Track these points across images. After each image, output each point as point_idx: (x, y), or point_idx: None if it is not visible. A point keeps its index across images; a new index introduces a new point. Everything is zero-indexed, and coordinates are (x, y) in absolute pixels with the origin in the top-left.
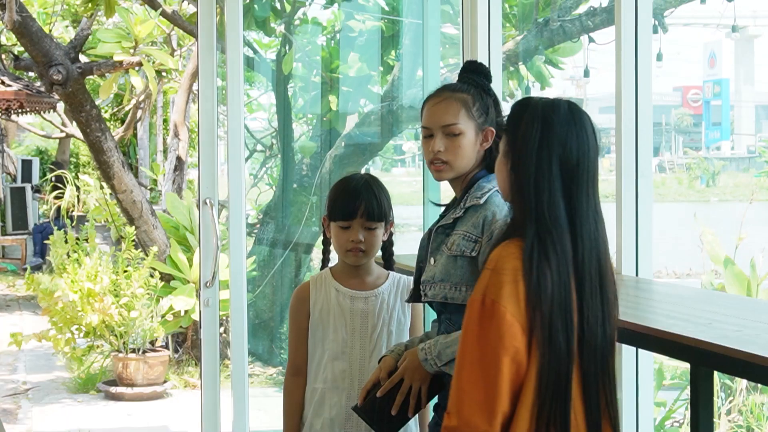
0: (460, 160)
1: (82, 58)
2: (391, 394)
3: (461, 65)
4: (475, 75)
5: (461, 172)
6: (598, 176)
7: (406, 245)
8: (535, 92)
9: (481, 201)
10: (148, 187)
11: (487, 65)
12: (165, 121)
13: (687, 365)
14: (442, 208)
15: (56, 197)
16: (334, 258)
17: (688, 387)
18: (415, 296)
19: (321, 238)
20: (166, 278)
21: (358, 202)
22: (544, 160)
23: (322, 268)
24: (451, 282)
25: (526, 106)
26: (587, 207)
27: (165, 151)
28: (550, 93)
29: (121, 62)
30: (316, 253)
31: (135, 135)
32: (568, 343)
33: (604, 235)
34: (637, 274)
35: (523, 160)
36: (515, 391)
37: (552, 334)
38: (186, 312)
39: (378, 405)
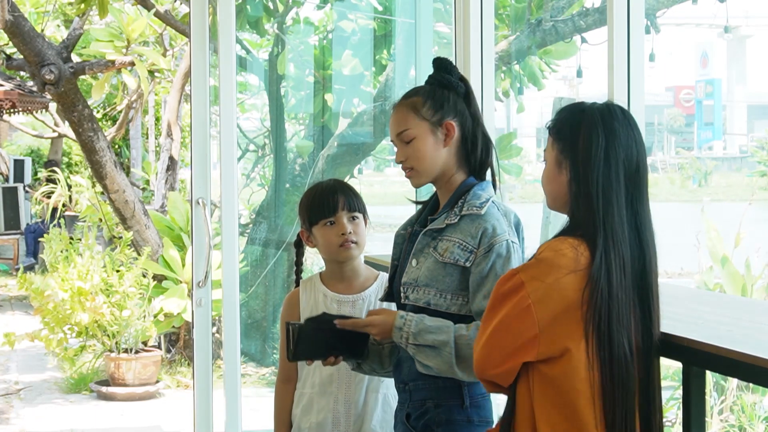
0: (423, 162)
1: (75, 58)
2: (343, 334)
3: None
4: (436, 72)
5: (434, 174)
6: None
7: None
8: (529, 93)
9: (482, 212)
10: (141, 187)
11: (480, 64)
12: (157, 120)
13: (679, 365)
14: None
15: (46, 196)
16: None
17: (680, 386)
18: (389, 295)
19: (294, 259)
20: (159, 278)
21: (336, 196)
22: (612, 169)
23: (297, 285)
24: (436, 288)
25: (581, 113)
26: (647, 211)
27: (157, 151)
28: (543, 93)
29: (113, 62)
30: (309, 253)
31: (127, 135)
32: (628, 349)
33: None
34: None
35: (589, 170)
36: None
37: (613, 340)
38: (178, 313)
39: (323, 330)
